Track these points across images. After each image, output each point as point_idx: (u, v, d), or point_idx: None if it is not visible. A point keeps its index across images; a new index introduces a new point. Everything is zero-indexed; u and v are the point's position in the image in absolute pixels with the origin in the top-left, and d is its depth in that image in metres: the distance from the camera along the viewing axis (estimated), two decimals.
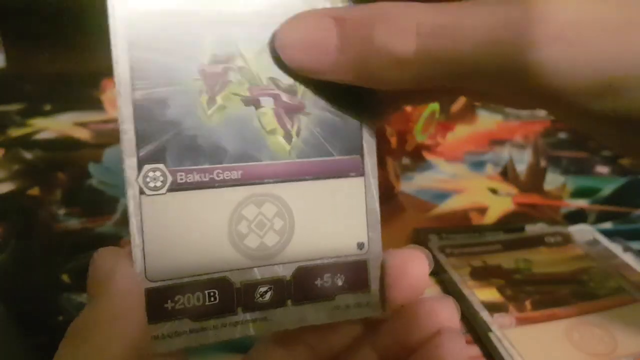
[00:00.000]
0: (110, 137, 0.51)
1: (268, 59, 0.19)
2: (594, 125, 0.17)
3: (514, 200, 0.44)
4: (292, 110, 0.19)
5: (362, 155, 0.20)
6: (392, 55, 0.17)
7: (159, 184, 0.18)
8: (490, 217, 0.42)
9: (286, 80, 0.19)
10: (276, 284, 0.19)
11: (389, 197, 0.42)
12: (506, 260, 0.37)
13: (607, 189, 0.45)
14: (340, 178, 0.20)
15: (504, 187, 0.46)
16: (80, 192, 0.44)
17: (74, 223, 0.41)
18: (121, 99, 0.18)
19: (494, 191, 0.45)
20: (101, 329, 0.16)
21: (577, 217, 0.42)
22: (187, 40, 0.18)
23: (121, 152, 0.17)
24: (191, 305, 0.18)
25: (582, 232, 0.40)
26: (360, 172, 0.20)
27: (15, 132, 0.51)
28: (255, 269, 0.19)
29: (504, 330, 0.31)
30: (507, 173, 0.47)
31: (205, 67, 0.18)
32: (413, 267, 0.20)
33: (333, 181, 0.20)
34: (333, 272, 0.20)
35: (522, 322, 0.32)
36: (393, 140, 0.41)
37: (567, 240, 0.39)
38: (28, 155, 0.48)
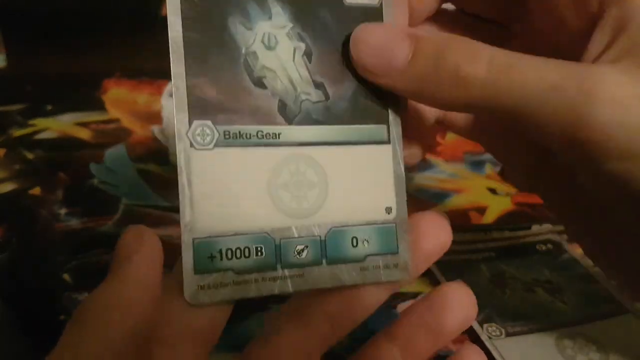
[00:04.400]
0: (111, 137, 0.51)
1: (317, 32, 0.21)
2: (597, 183, 0.20)
3: (513, 199, 0.44)
4: (331, 80, 0.21)
5: (388, 125, 0.22)
6: (460, 75, 0.19)
7: (207, 139, 0.19)
8: (490, 217, 0.42)
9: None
10: (312, 243, 0.20)
11: None
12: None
13: None
14: (370, 144, 0.21)
15: (503, 186, 0.46)
16: (81, 192, 0.44)
17: (75, 223, 0.41)
18: (174, 58, 0.19)
19: (493, 191, 0.45)
20: (102, 314, 0.17)
21: None
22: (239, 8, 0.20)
23: (173, 108, 0.19)
24: (235, 258, 0.19)
25: None
26: (387, 140, 0.22)
27: (16, 132, 0.51)
28: (293, 228, 0.20)
29: (494, 340, 0.31)
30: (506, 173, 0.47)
31: (254, 34, 0.20)
32: (434, 229, 0.22)
33: (363, 147, 0.21)
34: (363, 235, 0.21)
35: (512, 332, 0.31)
36: None
37: (558, 248, 0.39)
38: (29, 155, 0.49)
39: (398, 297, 0.34)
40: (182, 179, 0.19)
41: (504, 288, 0.35)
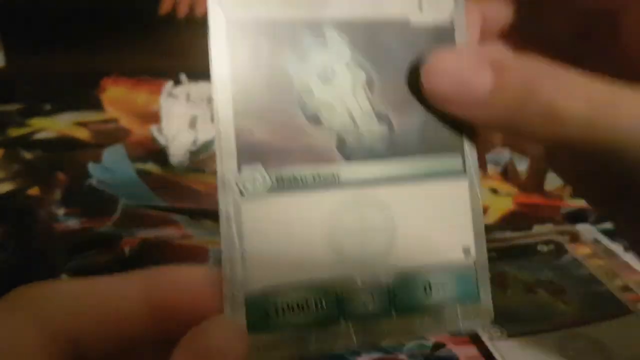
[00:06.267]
0: (110, 136, 0.51)
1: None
2: None
3: (515, 200, 0.44)
4: (396, 111, 0.19)
5: (463, 153, 0.19)
6: (554, 112, 0.17)
7: (258, 186, 0.18)
8: (491, 217, 0.42)
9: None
10: (379, 292, 0.18)
11: None
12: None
13: None
14: (443, 178, 0.19)
15: (505, 187, 0.46)
16: (79, 191, 0.44)
17: (73, 223, 0.40)
18: (220, 99, 0.17)
19: (494, 191, 0.45)
20: None
21: (577, 217, 0.42)
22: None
23: (217, 154, 0.17)
24: (293, 314, 0.18)
25: (584, 232, 0.40)
26: (463, 170, 0.19)
27: (14, 132, 0.51)
28: (357, 277, 0.18)
29: (494, 342, 0.30)
30: (507, 173, 0.47)
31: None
32: None
33: (435, 181, 0.19)
34: (438, 280, 0.19)
35: (513, 333, 0.31)
36: None
37: (560, 249, 0.38)
38: (28, 155, 0.48)
39: None
40: (231, 232, 0.17)
41: (505, 289, 0.35)
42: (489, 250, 0.40)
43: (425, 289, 0.19)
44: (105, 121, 0.53)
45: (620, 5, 0.21)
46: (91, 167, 0.47)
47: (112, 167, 0.47)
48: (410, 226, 0.19)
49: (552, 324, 0.32)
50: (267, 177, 0.18)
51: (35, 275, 0.36)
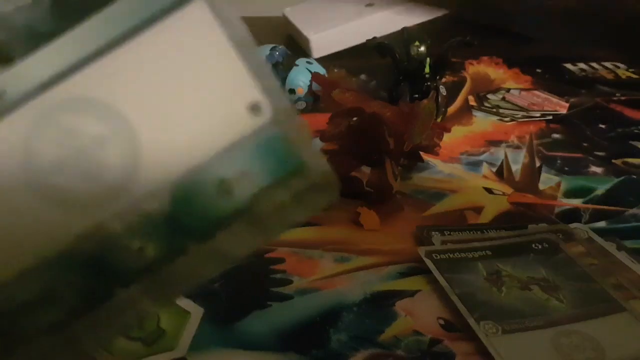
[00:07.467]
0: None
1: None
2: None
3: (509, 199, 0.45)
4: None
5: None
6: None
7: None
8: (486, 216, 0.42)
9: None
10: (153, 227, 0.12)
11: (387, 197, 0.43)
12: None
13: (601, 189, 0.46)
14: (166, 18, 0.12)
15: (500, 186, 0.46)
16: None
17: None
18: None
19: (489, 190, 0.46)
20: None
21: (571, 216, 0.43)
22: None
23: None
24: (36, 315, 0.11)
25: (577, 231, 0.40)
26: None
27: None
28: (109, 221, 0.12)
29: (490, 338, 0.31)
30: (502, 173, 0.47)
31: None
32: None
33: (157, 29, 0.12)
34: (234, 166, 0.12)
35: (508, 330, 0.32)
36: (391, 141, 0.42)
37: (554, 248, 0.39)
38: None
39: (396, 295, 0.35)
40: None
41: (500, 286, 0.35)
42: (485, 249, 0.40)
43: (221, 188, 0.12)
44: None
45: None
46: None
47: None
48: (154, 113, 0.12)
49: (546, 320, 0.33)
50: None
51: None
